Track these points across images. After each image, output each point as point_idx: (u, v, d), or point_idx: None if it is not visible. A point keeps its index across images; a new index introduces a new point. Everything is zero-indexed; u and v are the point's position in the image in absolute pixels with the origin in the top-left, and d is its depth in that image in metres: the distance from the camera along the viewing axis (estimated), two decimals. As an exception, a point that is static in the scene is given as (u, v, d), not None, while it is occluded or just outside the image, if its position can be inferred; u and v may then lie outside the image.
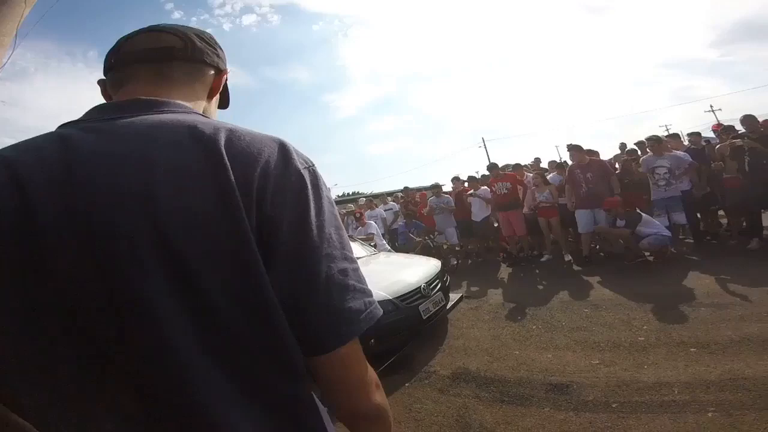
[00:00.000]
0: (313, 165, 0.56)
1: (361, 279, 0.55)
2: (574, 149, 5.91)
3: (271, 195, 0.49)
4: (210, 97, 0.68)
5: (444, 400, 2.90)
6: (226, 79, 0.72)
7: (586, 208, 5.61)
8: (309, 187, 0.52)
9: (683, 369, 2.59)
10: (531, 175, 6.74)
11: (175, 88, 0.61)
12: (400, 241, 7.63)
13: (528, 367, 3.08)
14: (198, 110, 0.63)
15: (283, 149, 0.53)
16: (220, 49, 0.69)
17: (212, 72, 0.66)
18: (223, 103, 0.77)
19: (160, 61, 0.60)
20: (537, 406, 2.60)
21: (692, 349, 2.79)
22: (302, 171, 0.53)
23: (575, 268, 5.65)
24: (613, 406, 2.40)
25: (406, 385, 3.19)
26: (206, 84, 0.66)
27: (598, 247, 6.17)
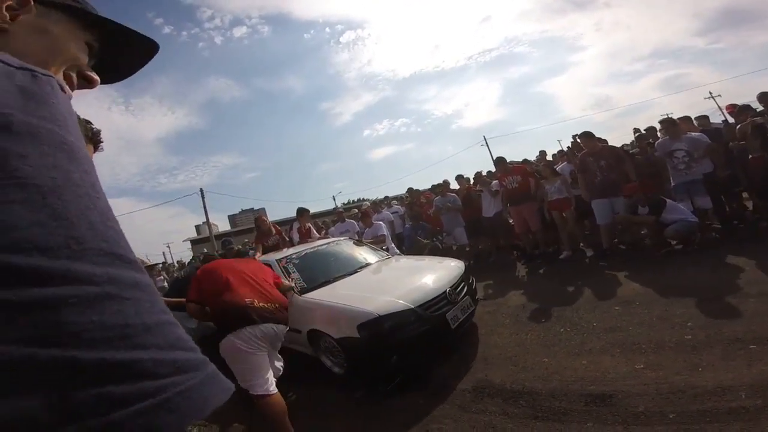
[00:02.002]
0: None
1: (67, 329, 0.23)
2: (585, 136, 5.59)
3: None
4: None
5: (466, 419, 2.55)
6: (74, 6, 0.51)
7: (602, 197, 5.25)
8: None
9: (746, 370, 2.22)
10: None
11: None
12: (406, 245, 7.25)
13: (561, 377, 2.70)
14: None
15: None
16: None
17: None
18: (135, 48, 0.57)
19: None
20: (577, 421, 2.25)
21: (752, 346, 2.41)
22: None
23: (598, 263, 5.24)
24: (671, 416, 2.05)
25: (421, 402, 2.84)
26: None
27: (616, 240, 5.78)
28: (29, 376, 0.21)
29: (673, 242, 4.81)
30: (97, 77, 0.55)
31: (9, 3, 0.45)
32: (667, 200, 4.76)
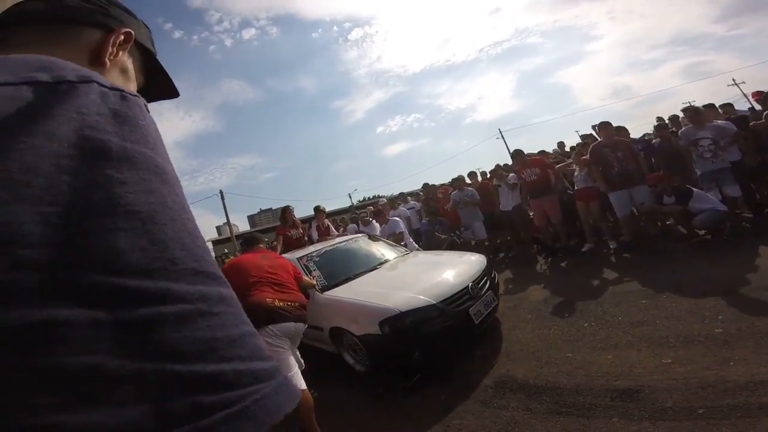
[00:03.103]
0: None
1: (164, 345, 0.26)
2: (603, 127, 5.44)
3: None
4: (95, 62, 0.51)
5: (488, 414, 2.54)
6: (150, 51, 0.61)
7: (621, 189, 5.12)
8: None
9: (781, 364, 2.14)
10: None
11: (14, 52, 0.42)
12: (423, 241, 7.22)
13: (585, 372, 2.67)
14: None
15: None
16: (118, 7, 0.56)
17: (97, 33, 0.52)
18: (162, 91, 0.64)
19: (5, 27, 0.49)
20: (603, 416, 2.21)
21: (787, 339, 2.33)
22: None
23: (622, 255, 5.12)
24: (700, 411, 2.00)
25: (442, 398, 2.84)
26: (82, 47, 0.51)
27: (640, 231, 5.62)
28: (136, 388, 0.23)
29: (702, 232, 4.66)
30: None
31: (120, 38, 0.54)
32: (694, 189, 4.61)
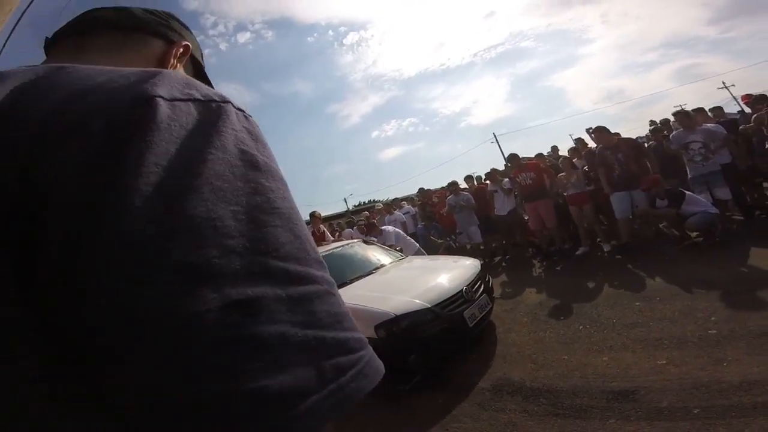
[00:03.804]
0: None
1: (316, 316, 0.30)
2: (599, 131, 5.52)
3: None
4: None
5: (486, 417, 2.55)
6: (200, 64, 0.65)
7: (621, 190, 5.17)
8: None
9: (774, 364, 2.17)
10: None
11: (93, 57, 0.50)
12: (420, 245, 7.23)
13: (581, 373, 2.69)
14: None
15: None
16: (177, 21, 0.61)
17: (160, 43, 0.57)
18: None
19: (82, 33, 0.53)
20: (599, 417, 2.23)
21: (778, 340, 2.36)
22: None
23: (616, 258, 5.17)
24: (695, 411, 2.02)
25: (440, 401, 2.85)
26: (149, 56, 0.56)
27: (635, 234, 5.68)
28: (305, 351, 0.28)
29: (694, 234, 4.72)
30: None
31: (181, 51, 0.58)
32: (687, 192, 4.67)
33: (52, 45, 0.54)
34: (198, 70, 0.65)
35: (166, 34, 0.58)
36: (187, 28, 0.63)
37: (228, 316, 0.25)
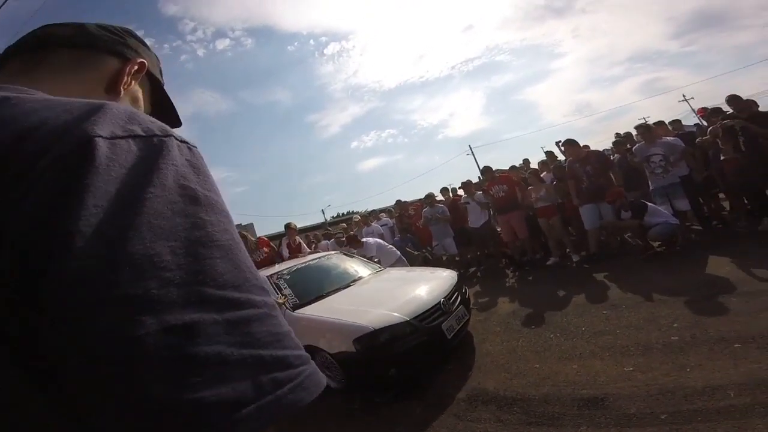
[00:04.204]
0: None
1: (254, 337, 0.34)
2: (568, 144, 5.74)
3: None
4: (111, 90, 0.56)
5: (462, 428, 2.58)
6: (159, 81, 0.65)
7: (590, 202, 5.37)
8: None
9: (733, 369, 2.28)
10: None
11: (46, 76, 0.51)
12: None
13: (553, 382, 2.74)
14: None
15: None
16: (134, 38, 0.61)
17: (115, 61, 0.57)
18: (166, 118, 0.63)
19: (34, 50, 0.53)
20: (571, 425, 2.28)
21: (736, 345, 2.49)
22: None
23: (585, 267, 5.35)
24: (662, 417, 2.10)
25: (418, 412, 2.86)
26: (104, 74, 0.56)
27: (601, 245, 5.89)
28: (242, 367, 0.31)
29: (657, 244, 4.93)
30: None
31: (135, 68, 0.58)
32: (649, 204, 4.89)
33: (4, 61, 0.53)
34: (156, 87, 0.66)
35: (121, 51, 0.58)
36: (145, 45, 0.63)
37: (167, 339, 0.28)
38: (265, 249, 5.76)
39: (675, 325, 2.98)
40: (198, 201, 0.35)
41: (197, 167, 0.38)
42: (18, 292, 0.28)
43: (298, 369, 0.35)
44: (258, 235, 6.77)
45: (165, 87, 0.68)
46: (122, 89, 0.56)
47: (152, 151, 0.35)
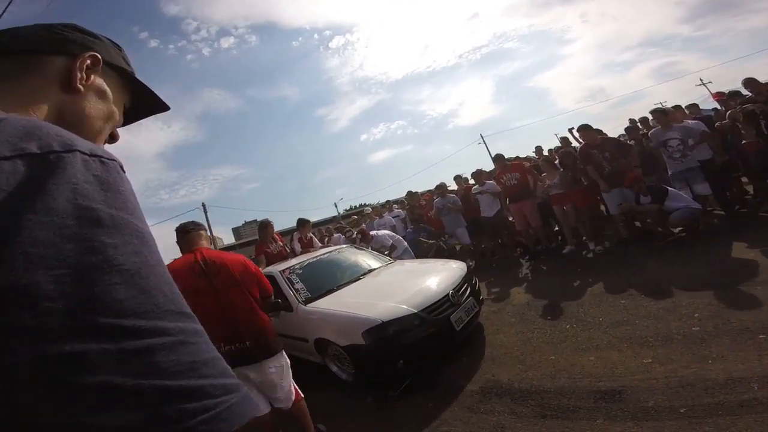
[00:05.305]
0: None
1: (157, 366, 0.33)
2: (584, 129, 5.57)
3: None
4: (68, 89, 0.53)
5: (475, 420, 2.54)
6: (126, 70, 0.62)
7: (613, 187, 5.21)
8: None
9: (757, 361, 2.19)
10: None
11: None
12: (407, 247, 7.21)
13: (569, 374, 2.68)
14: (21, 113, 0.45)
15: None
16: (80, 31, 0.57)
17: (62, 60, 0.54)
18: (151, 106, 0.68)
19: None
20: (587, 418, 2.23)
21: (761, 336, 2.39)
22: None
23: (601, 256, 5.21)
24: (681, 411, 2.03)
25: (430, 405, 2.83)
26: (53, 76, 0.53)
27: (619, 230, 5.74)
28: (137, 397, 0.30)
29: (677, 230, 4.78)
30: (119, 135, 0.64)
31: (87, 63, 0.55)
32: (669, 188, 4.73)
33: None
34: (124, 76, 0.63)
35: (66, 49, 0.55)
36: (95, 36, 0.59)
37: (46, 367, 0.28)
38: (280, 242, 5.78)
39: (696, 315, 2.88)
40: (100, 222, 0.34)
41: (107, 183, 0.36)
42: None
43: (217, 399, 0.34)
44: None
45: (138, 75, 0.65)
46: (80, 86, 0.53)
47: (42, 171, 0.33)
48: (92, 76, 0.56)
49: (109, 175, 0.36)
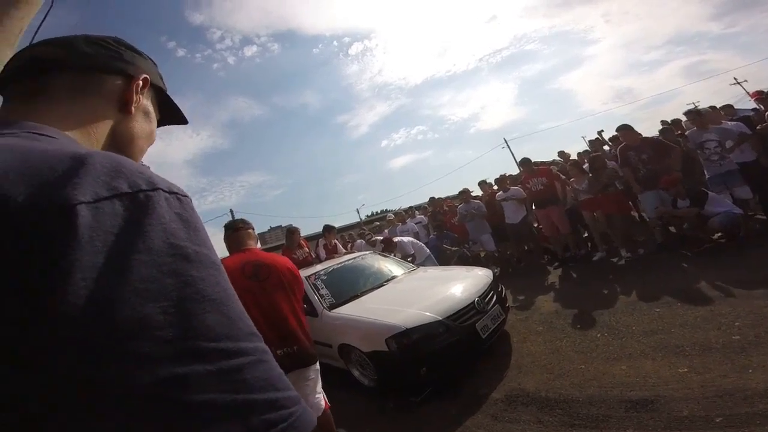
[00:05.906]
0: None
1: (246, 383, 0.36)
2: (624, 129, 5.36)
3: None
4: (123, 110, 0.56)
5: (500, 428, 2.50)
6: (162, 89, 0.65)
7: (650, 189, 5.01)
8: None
9: (801, 370, 2.06)
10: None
11: (54, 105, 0.50)
12: (433, 256, 7.16)
13: (599, 383, 2.60)
14: (82, 133, 0.51)
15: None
16: (125, 46, 0.59)
17: (118, 81, 0.56)
18: (171, 118, 0.71)
19: (34, 77, 0.51)
20: (617, 427, 2.16)
21: (807, 344, 2.24)
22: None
23: (634, 263, 5.02)
24: (717, 420, 1.94)
25: (453, 412, 2.79)
26: (111, 97, 0.55)
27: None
28: (233, 411, 0.34)
29: (716, 236, 4.55)
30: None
31: (139, 84, 0.58)
32: (709, 192, 4.52)
33: (2, 88, 0.52)
34: (160, 95, 0.66)
35: (122, 69, 0.57)
36: (140, 53, 0.62)
37: (160, 390, 0.31)
38: (306, 249, 5.89)
39: (737, 323, 2.73)
40: (188, 258, 0.37)
41: (187, 221, 0.39)
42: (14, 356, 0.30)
43: (290, 410, 0.38)
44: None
45: (168, 83, 0.69)
46: (133, 108, 0.57)
47: (138, 212, 0.36)
48: (142, 99, 0.59)
49: (187, 212, 0.40)
